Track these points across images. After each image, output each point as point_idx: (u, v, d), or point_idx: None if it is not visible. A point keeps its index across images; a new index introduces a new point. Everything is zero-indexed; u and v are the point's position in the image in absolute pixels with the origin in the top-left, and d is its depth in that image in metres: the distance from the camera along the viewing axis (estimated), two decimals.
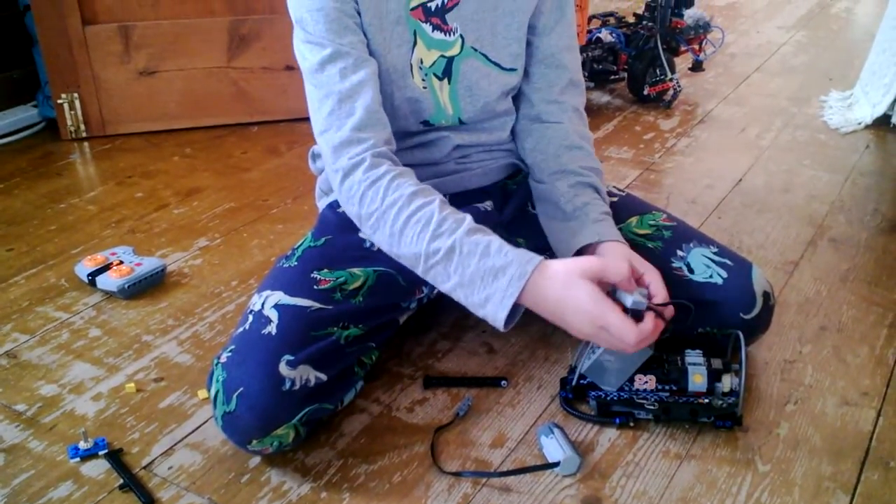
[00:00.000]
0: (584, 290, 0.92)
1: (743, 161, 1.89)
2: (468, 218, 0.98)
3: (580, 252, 1.08)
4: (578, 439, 1.06)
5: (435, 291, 1.16)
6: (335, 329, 1.03)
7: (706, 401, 1.04)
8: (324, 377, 0.99)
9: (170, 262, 1.48)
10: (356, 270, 1.09)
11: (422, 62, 1.10)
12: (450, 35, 1.10)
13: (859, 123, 2.04)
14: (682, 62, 2.49)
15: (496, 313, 0.94)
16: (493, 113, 1.17)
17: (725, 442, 1.05)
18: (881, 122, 2.04)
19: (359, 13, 1.05)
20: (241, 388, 0.94)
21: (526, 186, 1.24)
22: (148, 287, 1.39)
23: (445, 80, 1.12)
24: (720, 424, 1.06)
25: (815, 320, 1.30)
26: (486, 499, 0.97)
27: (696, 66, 2.42)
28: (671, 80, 2.19)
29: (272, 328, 1.00)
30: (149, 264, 1.40)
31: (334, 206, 1.21)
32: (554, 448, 1.02)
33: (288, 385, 0.95)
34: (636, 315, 0.95)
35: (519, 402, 1.13)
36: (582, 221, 1.11)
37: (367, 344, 1.07)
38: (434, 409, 1.12)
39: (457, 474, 1.00)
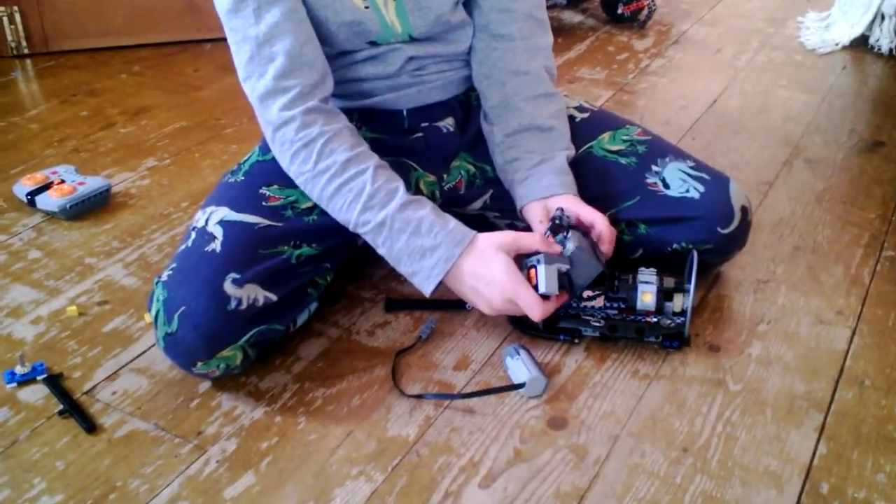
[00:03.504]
0: (498, 263, 0.92)
1: (718, 82, 1.83)
2: (401, 190, 0.96)
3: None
4: (545, 361, 1.02)
5: None
6: (286, 248, 0.96)
7: (654, 320, 1.01)
8: (273, 297, 0.93)
9: (116, 182, 1.40)
10: None
11: None
12: None
13: (836, 44, 1.98)
14: None
15: (421, 286, 0.96)
16: (448, 25, 1.07)
17: (696, 362, 1.02)
18: (858, 43, 1.98)
19: None
20: (184, 307, 0.88)
21: None
22: (92, 208, 1.31)
23: None
24: (667, 344, 1.02)
25: (790, 240, 1.26)
26: (448, 421, 0.92)
27: None
28: None
29: (216, 245, 0.93)
30: (92, 184, 1.32)
31: None
32: (519, 369, 0.98)
33: (234, 304, 0.89)
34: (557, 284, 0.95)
35: (484, 325, 1.08)
36: (511, 181, 1.08)
37: (321, 265, 1.01)
38: (396, 332, 1.07)
39: (419, 397, 0.96)
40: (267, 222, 0.97)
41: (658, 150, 1.13)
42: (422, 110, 1.12)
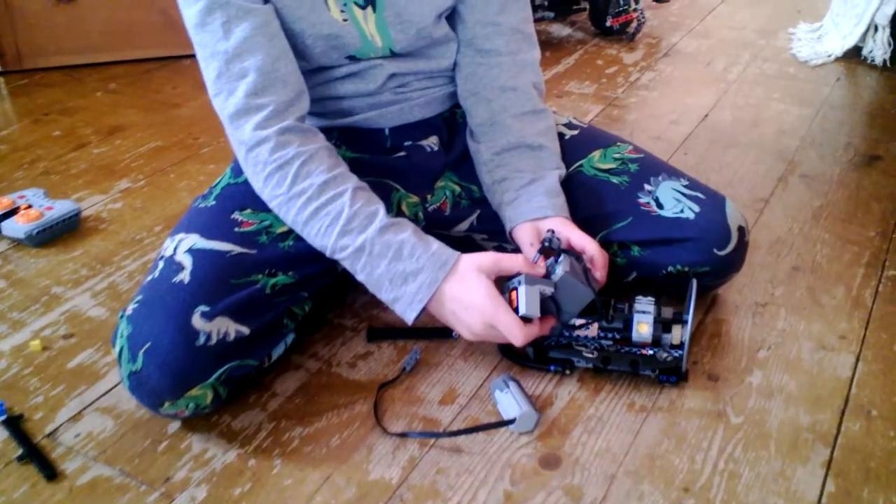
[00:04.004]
0: (478, 287, 0.88)
1: (709, 95, 1.79)
2: (381, 212, 0.91)
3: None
4: (536, 393, 0.97)
5: None
6: (260, 276, 0.91)
7: (650, 352, 0.95)
8: (246, 330, 0.87)
9: (86, 205, 1.34)
10: None
11: None
12: None
13: (829, 56, 1.95)
14: None
15: (403, 314, 0.91)
16: (430, 40, 1.03)
17: (694, 393, 0.97)
18: (852, 55, 1.95)
19: None
20: (149, 344, 0.82)
21: None
22: (60, 233, 1.25)
23: (369, 8, 0.96)
24: (663, 379, 0.97)
25: (788, 260, 1.22)
26: (434, 462, 0.87)
27: None
28: (635, 10, 2.07)
29: (185, 275, 0.88)
30: (61, 208, 1.26)
31: None
32: (509, 403, 0.92)
33: (203, 339, 0.83)
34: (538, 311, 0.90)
35: (471, 354, 1.03)
36: (499, 202, 1.04)
37: (298, 294, 0.96)
38: (378, 363, 1.01)
39: (402, 435, 0.90)
40: (239, 250, 0.92)
41: (651, 168, 1.08)
42: (404, 129, 1.07)
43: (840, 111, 1.71)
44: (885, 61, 1.90)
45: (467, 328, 0.90)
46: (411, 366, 1.00)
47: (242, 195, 0.98)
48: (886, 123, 1.65)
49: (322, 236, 0.90)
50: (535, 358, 1.00)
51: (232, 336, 0.86)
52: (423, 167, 1.08)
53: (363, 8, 0.96)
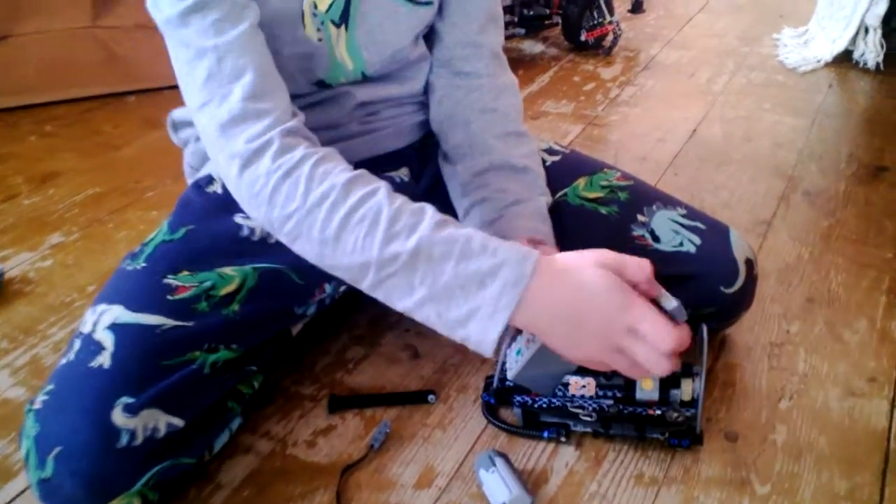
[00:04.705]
0: (603, 280, 0.65)
1: (696, 109, 1.67)
2: (429, 207, 0.70)
3: None
4: (528, 467, 0.83)
5: (342, 287, 0.91)
6: (197, 354, 0.76)
7: (658, 412, 0.82)
8: (179, 422, 0.73)
9: (11, 265, 1.19)
10: (228, 270, 0.83)
11: (315, 6, 0.81)
12: None
13: (818, 61, 1.84)
14: (621, 4, 2.26)
15: (484, 332, 0.66)
16: (406, 62, 0.91)
17: (711, 457, 0.83)
18: (842, 59, 1.85)
19: None
20: (60, 448, 0.68)
21: None
22: None
23: (343, 27, 0.84)
24: (674, 443, 0.83)
25: (801, 291, 1.09)
26: None
27: (636, 7, 2.19)
28: (610, 23, 1.96)
29: (105, 359, 0.73)
30: None
31: (201, 184, 0.94)
32: (496, 486, 0.78)
33: (125, 439, 0.69)
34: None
35: (451, 421, 0.89)
36: (476, 225, 0.86)
37: (245, 369, 0.81)
38: (342, 440, 0.87)
39: None
40: (172, 323, 0.77)
41: (643, 196, 0.95)
42: (372, 162, 0.93)
43: (837, 120, 1.60)
44: (878, 64, 1.79)
45: (593, 339, 0.66)
46: (380, 441, 0.86)
47: (178, 254, 0.84)
48: (888, 131, 1.54)
49: (361, 251, 0.68)
50: (525, 422, 0.86)
51: (162, 431, 0.71)
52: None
53: (337, 26, 0.83)
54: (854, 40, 1.82)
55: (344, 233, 0.69)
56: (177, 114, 1.00)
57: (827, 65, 1.84)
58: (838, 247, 1.18)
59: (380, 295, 0.70)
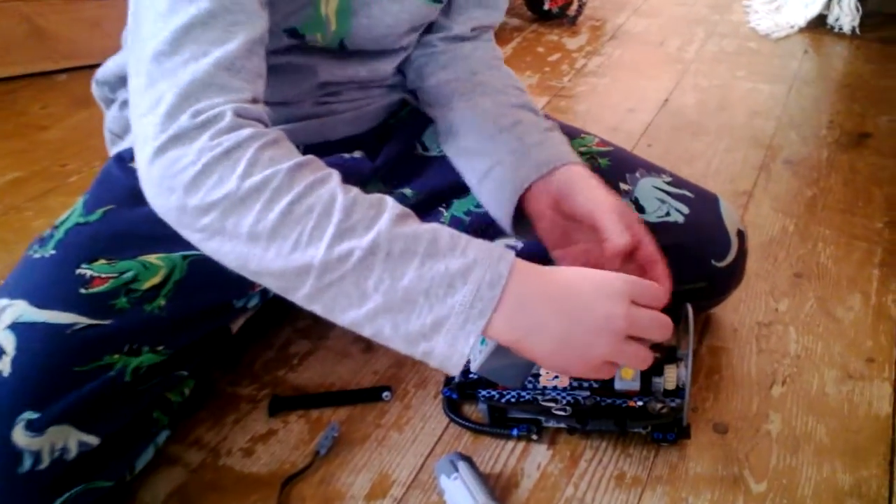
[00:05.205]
0: (592, 278, 0.60)
1: (667, 78, 1.58)
2: (388, 198, 0.59)
3: (528, 190, 0.75)
4: (495, 471, 0.73)
5: None
6: (116, 357, 0.65)
7: (639, 403, 0.73)
8: (94, 440, 0.62)
9: None
10: (153, 259, 0.71)
11: None
12: None
13: (792, 27, 1.77)
14: None
15: (452, 345, 0.56)
16: (389, 49, 0.81)
17: (700, 452, 0.74)
18: (816, 24, 1.77)
19: None
20: None
21: (414, 122, 0.89)
22: None
23: None
24: (658, 437, 0.74)
25: (788, 266, 1.00)
26: None
27: None
28: None
29: (4, 366, 0.61)
30: None
31: (124, 156, 0.82)
32: (460, 494, 0.68)
33: (28, 462, 0.58)
34: None
35: (408, 420, 0.79)
36: (514, 147, 0.77)
37: (173, 374, 0.70)
38: (284, 446, 0.76)
39: None
40: (86, 321, 0.65)
41: (624, 163, 0.86)
42: (323, 146, 0.81)
43: (814, 86, 1.52)
44: (853, 29, 1.72)
45: (570, 360, 0.59)
46: (327, 447, 0.75)
47: (94, 239, 0.72)
48: (869, 96, 1.47)
49: (305, 247, 0.56)
50: (491, 419, 0.77)
51: (73, 452, 0.60)
52: (350, 172, 0.83)
53: None
54: (828, 4, 1.74)
55: (284, 227, 0.56)
56: (103, 71, 0.88)
57: (801, 30, 1.77)
58: (825, 217, 1.10)
59: (318, 307, 0.58)
